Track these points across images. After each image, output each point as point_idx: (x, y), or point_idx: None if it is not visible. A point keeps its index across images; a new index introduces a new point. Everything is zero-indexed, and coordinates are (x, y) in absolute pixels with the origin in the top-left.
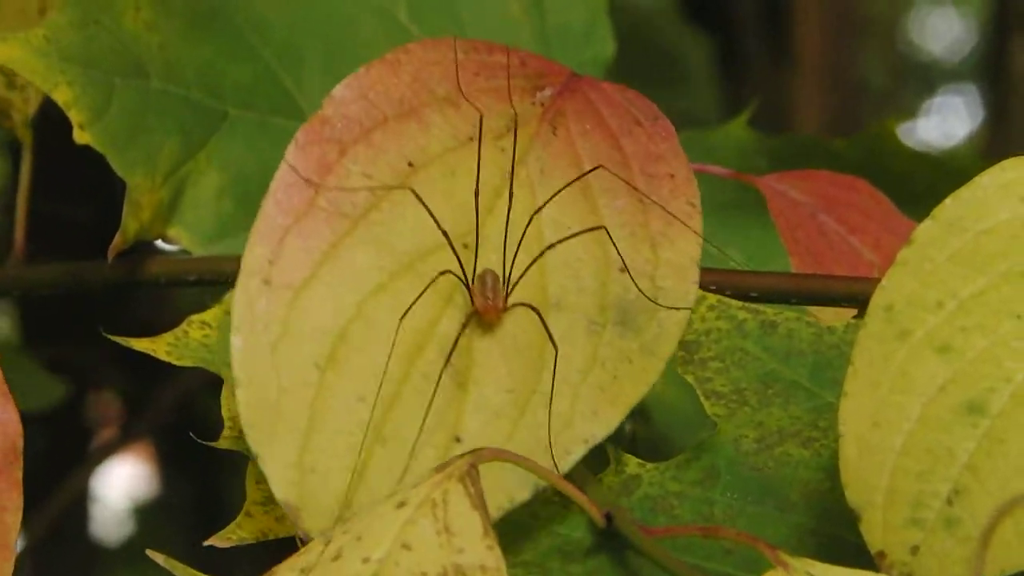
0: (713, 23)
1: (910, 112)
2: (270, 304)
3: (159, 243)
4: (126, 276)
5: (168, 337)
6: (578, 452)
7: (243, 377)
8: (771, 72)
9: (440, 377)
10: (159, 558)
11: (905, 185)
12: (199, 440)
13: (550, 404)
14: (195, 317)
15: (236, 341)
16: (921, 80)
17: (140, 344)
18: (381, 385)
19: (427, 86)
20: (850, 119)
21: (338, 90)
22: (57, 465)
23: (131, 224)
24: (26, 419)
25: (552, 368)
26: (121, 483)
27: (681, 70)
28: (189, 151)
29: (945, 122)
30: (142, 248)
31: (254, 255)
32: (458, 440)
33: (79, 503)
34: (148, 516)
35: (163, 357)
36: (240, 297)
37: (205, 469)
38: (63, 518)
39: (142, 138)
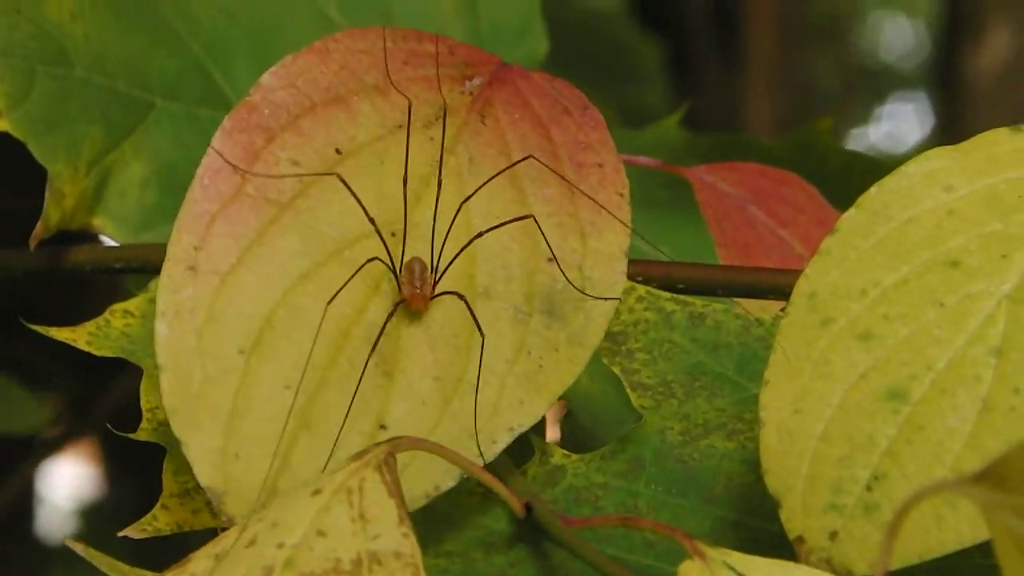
0: (665, 27)
1: (861, 118)
2: (196, 291)
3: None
4: (50, 264)
5: (89, 326)
6: (504, 440)
7: (167, 363)
8: (722, 76)
9: (366, 364)
10: (78, 547)
11: (837, 183)
12: (118, 432)
13: (476, 392)
14: (117, 306)
15: (161, 328)
16: (872, 86)
17: (61, 334)
18: (306, 372)
19: (356, 74)
20: (799, 124)
21: (266, 77)
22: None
23: (53, 213)
24: None
25: (479, 356)
26: (65, 482)
27: (632, 73)
28: (114, 141)
29: (896, 128)
30: (76, 237)
31: (180, 242)
32: (383, 427)
33: (23, 502)
34: (93, 515)
35: (83, 347)
36: (165, 284)
37: (149, 467)
38: (6, 517)
39: (64, 127)
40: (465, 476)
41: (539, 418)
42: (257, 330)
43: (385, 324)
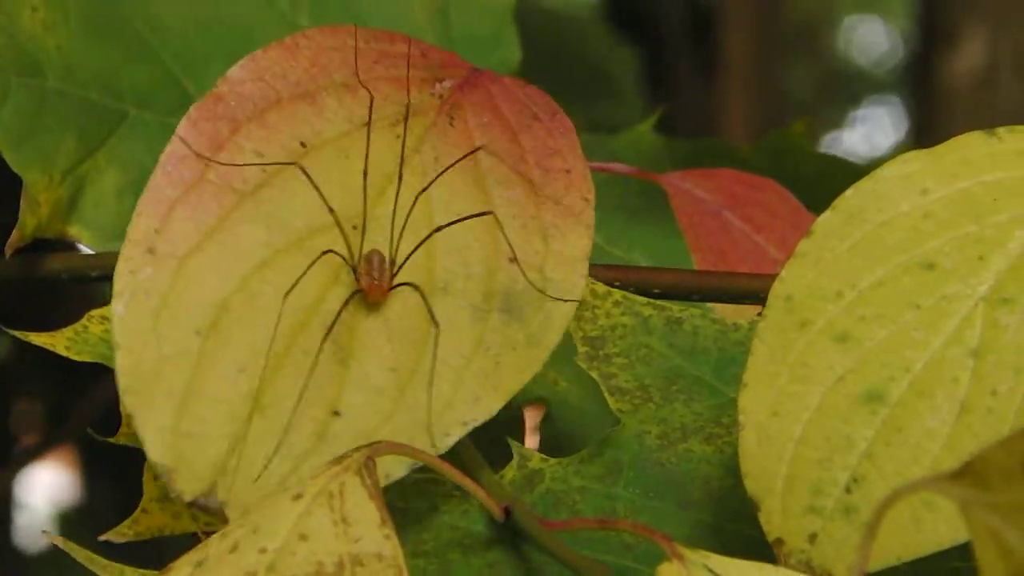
0: (640, 34)
1: (836, 123)
2: (154, 272)
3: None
4: (26, 272)
5: (68, 332)
6: (456, 434)
7: (123, 343)
8: (698, 83)
9: (320, 350)
10: (59, 542)
11: (812, 187)
12: (96, 436)
13: (430, 385)
14: (95, 312)
15: (117, 308)
16: (847, 92)
17: (39, 339)
18: (262, 357)
19: (325, 71)
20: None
21: (234, 70)
22: None
23: (29, 221)
24: None
25: (435, 345)
26: (44, 489)
27: (609, 79)
28: (88, 150)
29: (871, 133)
30: (53, 245)
31: (140, 224)
32: (336, 414)
33: (1, 509)
34: (72, 521)
35: (62, 352)
36: (123, 265)
37: (129, 474)
38: None
39: (38, 136)
40: (441, 477)
41: (493, 414)
42: (214, 314)
43: (340, 311)
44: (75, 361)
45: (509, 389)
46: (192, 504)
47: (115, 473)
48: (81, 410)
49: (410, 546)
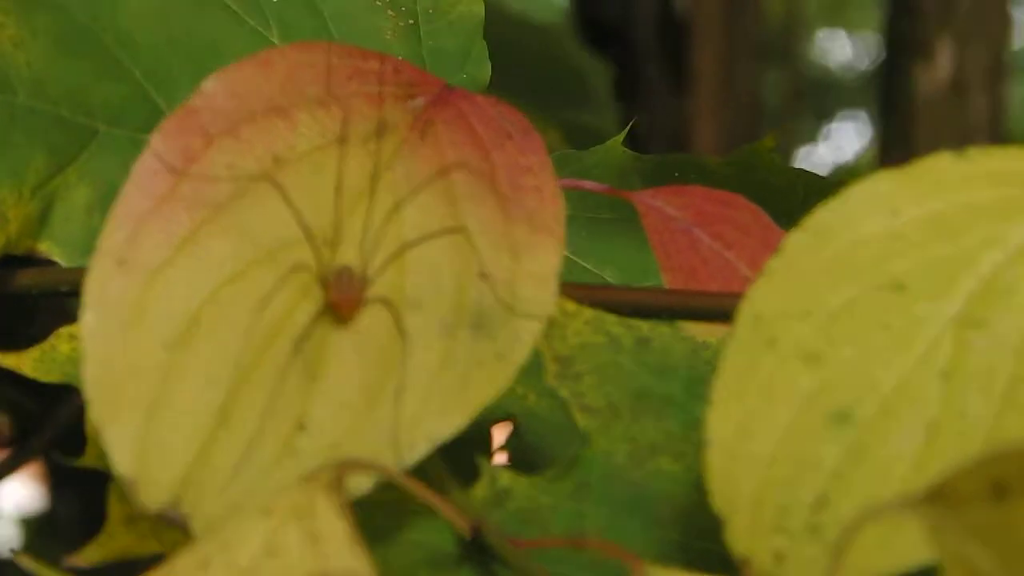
0: (611, 45)
1: (808, 135)
2: (124, 284)
3: None
4: None
5: (34, 352)
6: (422, 450)
7: (92, 354)
8: (668, 94)
9: (288, 364)
10: (25, 561)
11: (781, 200)
12: (63, 455)
13: (397, 401)
14: (63, 330)
15: (87, 319)
16: (819, 104)
17: (5, 360)
18: (230, 371)
19: (298, 87)
20: (747, 143)
21: (208, 83)
22: None
23: None
24: None
25: (403, 365)
26: (10, 501)
27: (582, 89)
28: (58, 166)
29: (842, 146)
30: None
31: (111, 236)
32: (303, 428)
33: None
34: (38, 535)
35: (29, 373)
36: (93, 277)
37: (96, 487)
38: None
39: (8, 152)
40: (408, 495)
41: (460, 430)
42: (184, 327)
43: (310, 326)
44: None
45: (476, 405)
46: (158, 516)
47: (82, 486)
48: (49, 424)
49: (379, 564)
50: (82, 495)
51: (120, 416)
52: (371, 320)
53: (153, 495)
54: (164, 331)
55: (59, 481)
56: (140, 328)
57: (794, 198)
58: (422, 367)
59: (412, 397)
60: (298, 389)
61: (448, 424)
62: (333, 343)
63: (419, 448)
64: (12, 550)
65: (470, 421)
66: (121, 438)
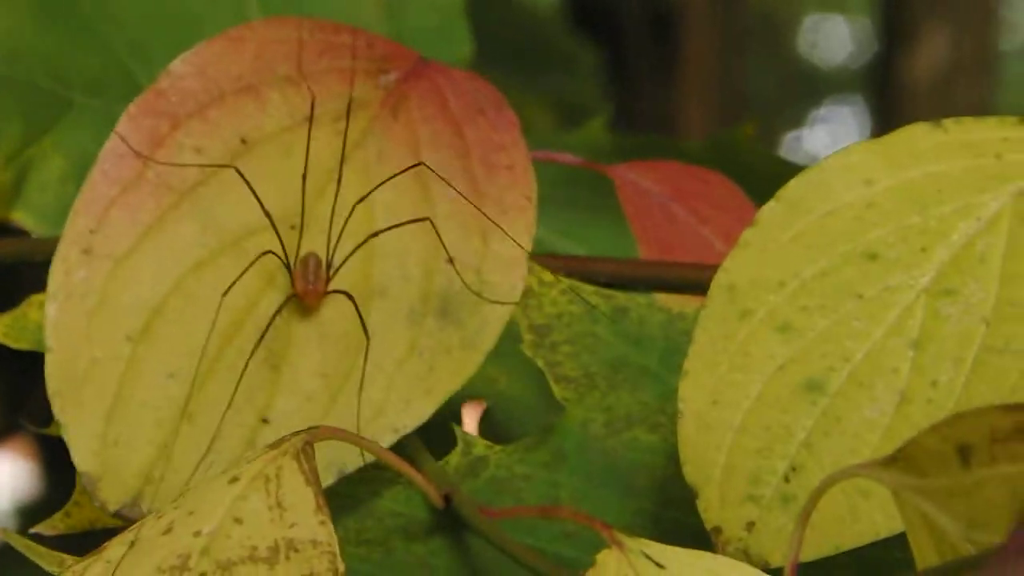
0: (599, 32)
1: (797, 122)
2: (89, 274)
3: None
4: None
5: (6, 319)
6: (387, 441)
7: (54, 345)
8: (657, 81)
9: (251, 356)
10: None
11: (761, 187)
12: (31, 427)
13: (360, 391)
14: (35, 298)
15: (51, 309)
16: (809, 91)
17: None
18: (195, 361)
19: (269, 64)
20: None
21: (176, 64)
22: None
23: None
24: None
25: (366, 355)
26: (3, 480)
27: (568, 76)
28: (33, 136)
29: (833, 132)
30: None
31: (76, 225)
32: (266, 421)
33: None
34: (30, 513)
35: (0, 339)
36: (58, 266)
37: None
38: None
39: None
40: (383, 465)
41: (425, 419)
42: (147, 317)
43: (273, 317)
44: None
45: (442, 393)
46: (116, 514)
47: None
48: (35, 400)
49: (353, 533)
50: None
51: (82, 410)
52: (335, 310)
53: (114, 492)
54: (127, 322)
55: (53, 462)
56: (104, 319)
57: (773, 184)
58: (387, 356)
59: (376, 387)
60: (261, 381)
61: (413, 414)
62: (297, 333)
63: (385, 439)
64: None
65: (436, 410)
66: (83, 434)
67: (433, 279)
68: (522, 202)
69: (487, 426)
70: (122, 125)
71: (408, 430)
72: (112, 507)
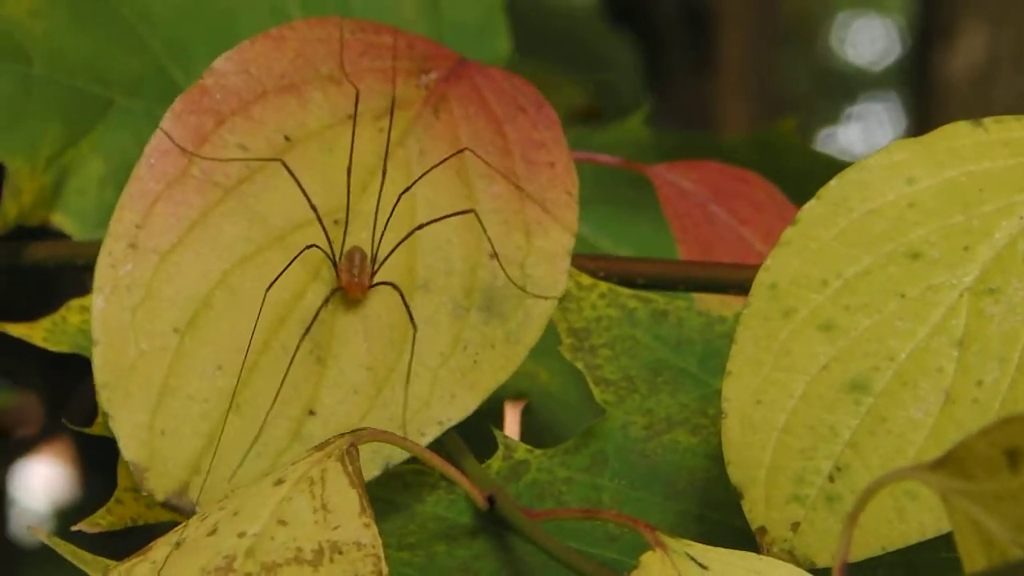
0: (636, 29)
1: (831, 119)
2: (135, 268)
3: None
4: (10, 260)
5: (46, 323)
6: (432, 433)
7: (101, 338)
8: (693, 79)
9: (297, 349)
10: (42, 535)
11: (799, 184)
12: (71, 426)
13: (407, 384)
14: (74, 302)
15: (97, 302)
16: (844, 87)
17: (16, 329)
18: (241, 354)
19: (311, 63)
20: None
21: (219, 62)
22: None
23: (11, 208)
24: None
25: (412, 347)
26: (41, 483)
27: (608, 72)
28: (72, 138)
29: (868, 129)
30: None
31: (122, 219)
32: (312, 413)
33: None
34: (68, 515)
35: (39, 343)
36: (104, 259)
37: None
38: None
39: (23, 123)
40: (427, 469)
41: (470, 413)
42: (193, 310)
43: (319, 310)
44: (70, 352)
45: (486, 387)
46: (164, 504)
47: (112, 466)
48: (76, 401)
49: (395, 538)
50: (115, 479)
51: (129, 402)
52: (380, 303)
53: (161, 482)
54: (174, 315)
55: (91, 464)
56: (150, 312)
57: (811, 180)
58: (431, 350)
59: (421, 381)
60: (307, 373)
61: (458, 407)
62: (342, 326)
63: (429, 433)
64: (29, 527)
65: (481, 404)
66: (130, 425)
67: (477, 273)
68: (564, 198)
69: (528, 422)
70: (167, 122)
71: (452, 423)
72: (159, 497)
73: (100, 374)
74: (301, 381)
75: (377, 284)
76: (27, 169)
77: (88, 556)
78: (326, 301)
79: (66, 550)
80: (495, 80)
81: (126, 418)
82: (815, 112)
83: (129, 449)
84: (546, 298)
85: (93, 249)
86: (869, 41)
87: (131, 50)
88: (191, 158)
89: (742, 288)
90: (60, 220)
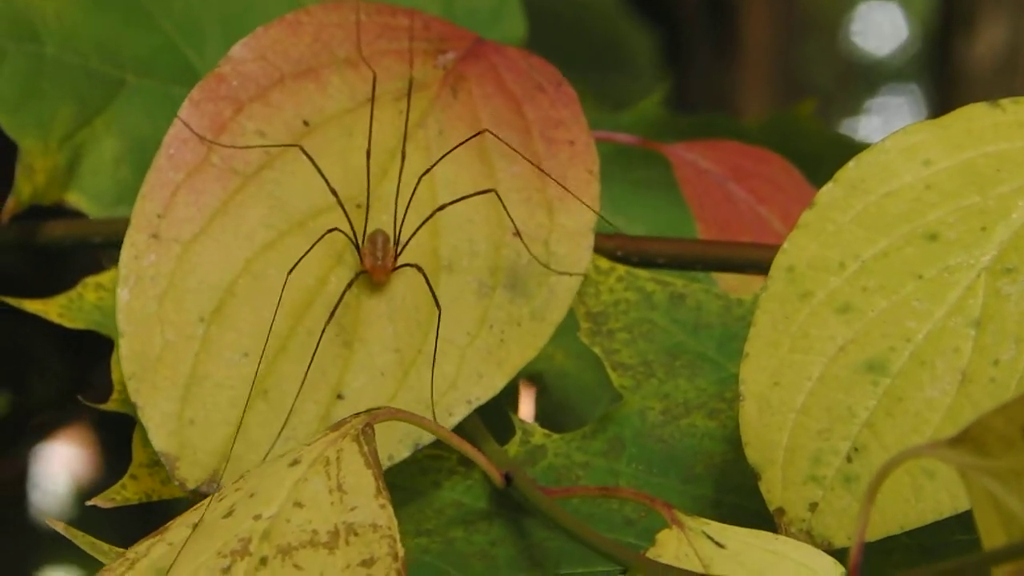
0: (657, 17)
1: (852, 109)
2: (158, 258)
3: None
4: (26, 239)
5: (61, 299)
6: (460, 413)
7: (127, 329)
8: (716, 67)
9: (323, 333)
10: (59, 526)
11: (818, 166)
12: (87, 403)
13: (433, 365)
14: (90, 279)
15: (122, 293)
16: (865, 78)
17: (32, 306)
18: (266, 340)
19: (327, 47)
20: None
21: (236, 49)
22: None
23: (24, 187)
24: None
25: (437, 327)
26: (61, 466)
27: (628, 62)
28: (86, 117)
29: (888, 121)
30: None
31: (143, 210)
32: (340, 397)
33: (17, 487)
34: (87, 497)
35: (55, 319)
36: (128, 250)
37: None
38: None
39: (35, 102)
40: (444, 455)
41: (498, 391)
42: (218, 298)
43: (344, 293)
44: (93, 334)
45: (514, 365)
46: (195, 492)
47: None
48: (96, 384)
49: (413, 524)
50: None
51: (158, 392)
52: (404, 285)
53: (192, 471)
54: (199, 304)
55: (111, 447)
56: (175, 302)
57: (829, 162)
58: (458, 329)
59: (448, 361)
60: (333, 357)
61: (485, 386)
62: (367, 309)
63: (457, 413)
64: (48, 518)
65: (509, 382)
66: (159, 415)
67: (500, 252)
68: (585, 175)
69: (544, 402)
70: (185, 111)
71: (481, 402)
72: (191, 485)
73: (127, 365)
74: (328, 365)
75: (401, 266)
76: (40, 149)
77: (105, 546)
78: (350, 285)
79: (84, 542)
80: (512, 59)
81: (155, 408)
82: (835, 103)
83: (159, 439)
84: (571, 274)
85: (110, 226)
86: (891, 32)
87: (144, 30)
88: (210, 146)
89: (761, 267)
90: (76, 199)
